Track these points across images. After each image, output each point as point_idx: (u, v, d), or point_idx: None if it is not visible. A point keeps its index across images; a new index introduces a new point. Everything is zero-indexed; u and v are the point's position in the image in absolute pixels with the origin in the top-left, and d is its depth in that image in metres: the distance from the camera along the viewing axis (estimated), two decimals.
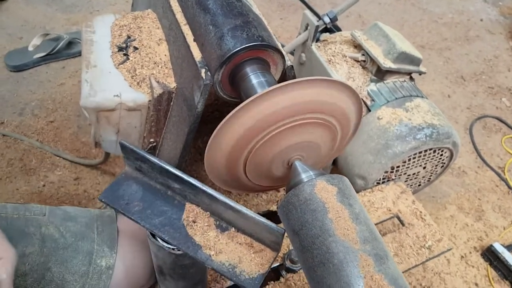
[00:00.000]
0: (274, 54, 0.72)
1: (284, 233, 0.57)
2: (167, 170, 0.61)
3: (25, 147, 1.56)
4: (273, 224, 0.56)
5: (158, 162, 0.61)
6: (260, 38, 0.68)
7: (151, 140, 0.86)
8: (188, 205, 0.64)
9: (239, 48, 0.67)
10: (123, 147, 0.62)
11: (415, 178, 1.17)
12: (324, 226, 0.52)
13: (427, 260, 1.01)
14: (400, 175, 1.13)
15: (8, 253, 0.55)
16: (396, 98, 1.12)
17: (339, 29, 1.32)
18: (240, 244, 0.61)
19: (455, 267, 1.29)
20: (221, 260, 0.60)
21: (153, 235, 0.62)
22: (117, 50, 0.83)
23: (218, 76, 0.70)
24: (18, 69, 1.78)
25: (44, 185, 1.46)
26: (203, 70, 0.69)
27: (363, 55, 1.14)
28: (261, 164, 0.68)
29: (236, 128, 0.62)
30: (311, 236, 0.53)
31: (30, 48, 1.81)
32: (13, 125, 1.62)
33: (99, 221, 0.75)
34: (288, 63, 0.74)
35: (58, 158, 1.57)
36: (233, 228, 0.62)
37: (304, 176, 0.62)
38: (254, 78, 0.68)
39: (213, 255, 0.60)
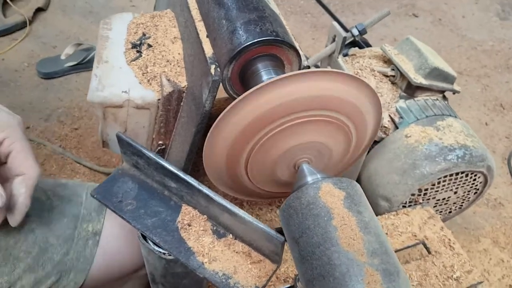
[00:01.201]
0: (289, 52, 0.67)
1: (284, 241, 0.51)
2: (163, 166, 0.56)
3: (47, 152, 1.57)
4: (272, 231, 0.50)
5: (153, 156, 0.57)
6: (274, 33, 0.64)
7: (160, 142, 0.82)
8: (184, 207, 0.58)
9: (250, 42, 0.62)
10: (119, 139, 0.58)
11: (445, 204, 1.08)
12: (327, 234, 0.45)
13: None
14: (429, 199, 1.04)
15: (32, 170, 0.57)
16: (427, 116, 1.05)
17: (369, 45, 1.26)
18: (237, 252, 0.55)
19: None
20: (215, 269, 0.54)
21: (145, 238, 0.57)
22: (130, 47, 0.80)
23: (228, 72, 0.66)
24: (48, 76, 1.82)
25: None
26: (212, 66, 0.65)
27: (393, 69, 1.08)
28: (264, 165, 0.62)
29: (237, 121, 0.57)
30: (311, 245, 0.46)
31: (63, 57, 1.84)
32: (38, 130, 1.64)
33: (90, 189, 0.72)
34: (305, 63, 0.69)
35: (78, 165, 1.57)
36: (230, 235, 0.56)
37: (310, 179, 0.56)
38: (266, 74, 0.63)
39: (206, 262, 0.54)
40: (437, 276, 0.91)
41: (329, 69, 0.55)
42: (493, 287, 1.19)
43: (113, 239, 0.73)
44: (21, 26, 2.01)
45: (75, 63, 1.82)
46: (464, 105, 1.83)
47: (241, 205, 0.96)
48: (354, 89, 0.58)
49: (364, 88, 0.59)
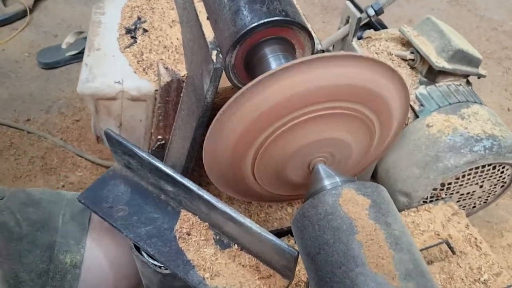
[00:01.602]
0: (300, 34, 0.59)
1: (298, 256, 0.44)
2: (157, 168, 0.49)
3: (48, 145, 1.53)
4: (284, 244, 0.43)
5: (147, 157, 0.49)
6: (283, 13, 0.56)
7: (159, 137, 0.75)
8: (183, 213, 0.52)
9: (256, 24, 0.55)
10: (108, 137, 0.51)
11: (469, 198, 1.01)
12: (350, 251, 0.38)
13: None
14: (452, 193, 0.96)
15: None
16: (450, 104, 0.96)
17: (385, 27, 1.17)
18: (243, 266, 0.48)
19: None
20: (218, 286, 0.47)
21: (138, 249, 0.50)
22: (124, 32, 0.73)
23: (231, 58, 0.58)
24: (49, 66, 1.77)
25: (63, 186, 1.41)
26: (214, 52, 0.58)
27: (412, 53, 0.99)
28: (273, 165, 0.54)
29: (244, 114, 0.49)
30: (331, 264, 0.38)
31: (63, 46, 1.80)
32: (39, 123, 1.60)
33: (69, 206, 0.62)
34: (319, 47, 0.61)
35: (80, 158, 1.52)
36: (235, 246, 0.50)
37: (327, 183, 0.47)
38: (274, 60, 0.55)
39: (207, 278, 0.47)
40: (462, 279, 0.84)
41: (350, 52, 0.46)
42: None
43: (96, 271, 0.63)
44: (22, 15, 1.96)
45: (76, 52, 1.77)
46: (484, 90, 1.73)
47: (248, 202, 0.89)
48: (380, 76, 0.49)
49: (391, 75, 0.50)
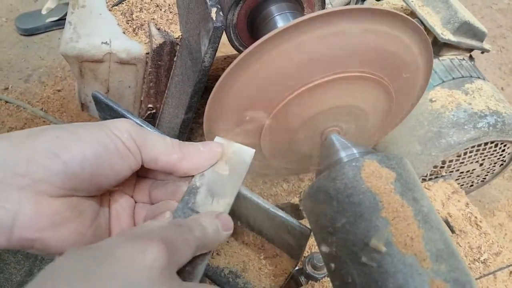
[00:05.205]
0: None
1: (310, 233, 0.39)
2: None
3: (27, 115, 1.46)
4: (295, 221, 0.39)
5: (139, 123, 0.44)
6: None
7: (150, 106, 0.70)
8: None
9: None
10: (96, 100, 0.46)
11: (468, 176, 0.98)
12: (375, 229, 0.34)
13: (480, 277, 0.82)
14: (452, 171, 0.93)
15: None
16: (453, 78, 0.93)
17: None
18: (247, 244, 0.44)
19: (502, 284, 1.09)
20: (219, 265, 0.43)
21: None
22: None
23: (233, 17, 0.52)
24: (29, 32, 1.70)
25: None
26: (213, 10, 0.52)
27: None
28: (280, 135, 0.49)
29: (250, 77, 0.44)
30: (352, 244, 0.34)
31: (44, 12, 1.72)
32: (17, 92, 1.52)
33: None
34: (329, 6, 0.56)
35: None
36: (239, 222, 0.45)
37: (344, 155, 0.43)
38: (281, 20, 0.50)
39: None
40: (462, 258, 0.82)
41: (373, 6, 0.41)
42: None
43: None
44: None
45: (57, 18, 1.70)
46: (478, 68, 1.71)
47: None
48: (402, 33, 0.44)
49: (416, 34, 0.45)
